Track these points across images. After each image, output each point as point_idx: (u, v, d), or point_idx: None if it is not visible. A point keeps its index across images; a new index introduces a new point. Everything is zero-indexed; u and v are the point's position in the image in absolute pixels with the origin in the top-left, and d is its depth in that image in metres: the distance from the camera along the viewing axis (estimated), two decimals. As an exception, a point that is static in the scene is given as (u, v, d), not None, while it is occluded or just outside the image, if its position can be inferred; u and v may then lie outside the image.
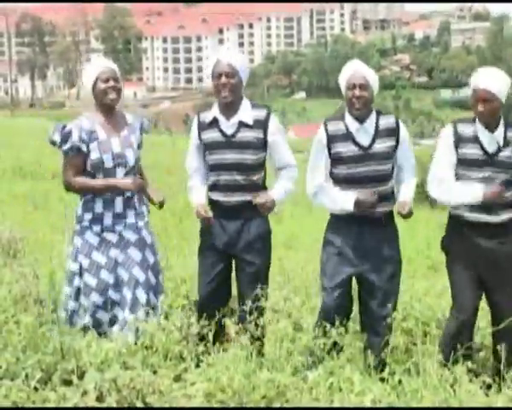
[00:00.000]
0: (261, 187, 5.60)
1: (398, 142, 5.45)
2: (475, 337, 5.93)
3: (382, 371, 4.81)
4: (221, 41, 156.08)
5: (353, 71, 5.42)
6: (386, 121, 5.47)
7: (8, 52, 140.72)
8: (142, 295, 5.47)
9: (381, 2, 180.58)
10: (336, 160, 5.44)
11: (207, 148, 5.60)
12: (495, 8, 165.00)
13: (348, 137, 5.42)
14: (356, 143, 5.40)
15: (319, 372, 4.52)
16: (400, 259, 5.59)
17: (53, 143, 5.51)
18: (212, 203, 5.62)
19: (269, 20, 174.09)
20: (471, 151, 5.37)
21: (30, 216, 12.29)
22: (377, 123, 5.44)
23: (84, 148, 5.47)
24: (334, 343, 4.91)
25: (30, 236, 9.16)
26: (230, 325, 4.83)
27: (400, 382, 4.60)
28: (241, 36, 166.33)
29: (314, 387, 4.37)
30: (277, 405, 4.17)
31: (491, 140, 5.34)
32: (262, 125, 5.54)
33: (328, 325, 4.89)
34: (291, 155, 5.69)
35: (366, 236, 5.41)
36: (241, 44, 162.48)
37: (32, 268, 6.50)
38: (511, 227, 5.46)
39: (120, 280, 5.52)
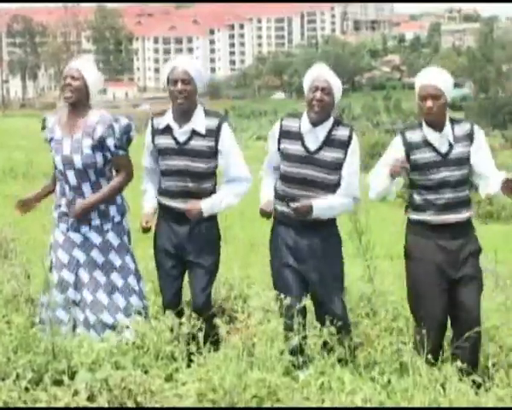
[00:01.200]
0: (211, 194, 5.62)
1: (346, 154, 5.44)
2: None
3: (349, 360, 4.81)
4: (212, 42, 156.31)
5: (318, 74, 5.44)
6: (340, 133, 5.45)
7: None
8: (103, 297, 5.48)
9: (372, 2, 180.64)
10: (283, 156, 5.51)
11: (160, 153, 5.63)
12: (485, 10, 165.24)
13: (298, 136, 5.45)
14: (303, 145, 5.43)
15: (310, 372, 4.53)
16: (342, 263, 5.63)
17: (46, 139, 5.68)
18: (163, 207, 5.67)
19: (259, 20, 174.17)
20: (424, 155, 5.39)
21: (21, 217, 12.22)
22: (330, 131, 5.45)
23: (49, 146, 5.61)
24: (325, 343, 4.92)
25: (21, 236, 9.14)
26: (221, 325, 4.83)
27: (390, 381, 4.61)
28: (231, 37, 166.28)
29: (305, 386, 4.38)
30: (268, 404, 4.18)
31: (441, 140, 5.36)
32: (214, 134, 5.55)
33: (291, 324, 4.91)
34: (243, 169, 5.66)
35: (299, 241, 5.46)
36: (232, 45, 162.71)
37: (23, 268, 6.50)
38: (471, 226, 5.48)
39: (81, 281, 5.52)
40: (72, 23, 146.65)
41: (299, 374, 4.55)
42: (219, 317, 5.48)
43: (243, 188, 5.66)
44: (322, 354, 4.84)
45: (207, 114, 5.61)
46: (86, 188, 5.50)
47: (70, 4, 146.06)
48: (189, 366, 4.62)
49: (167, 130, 5.59)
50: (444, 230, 5.38)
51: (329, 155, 5.40)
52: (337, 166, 5.42)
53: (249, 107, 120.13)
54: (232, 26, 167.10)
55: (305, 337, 4.91)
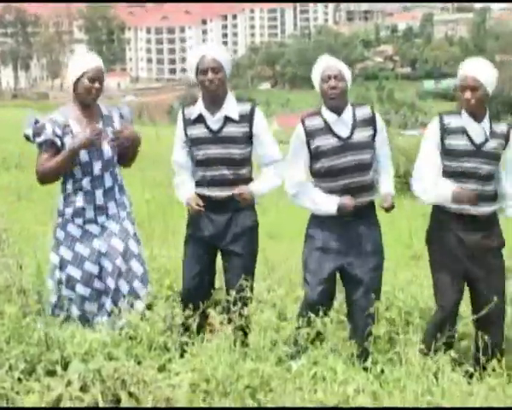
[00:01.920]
0: (248, 180, 5.61)
1: (375, 131, 5.49)
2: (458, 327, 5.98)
3: (365, 360, 4.83)
4: (204, 32, 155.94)
5: (326, 64, 5.46)
6: (363, 112, 5.51)
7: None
8: (124, 286, 5.48)
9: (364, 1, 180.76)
10: (316, 154, 5.47)
11: (194, 143, 5.60)
12: (478, 0, 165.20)
13: (327, 129, 5.45)
14: (335, 135, 5.43)
15: (303, 362, 4.54)
16: (382, 251, 5.63)
17: (26, 137, 5.46)
18: (200, 198, 5.60)
19: (252, 11, 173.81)
20: (458, 142, 5.39)
21: (14, 207, 12.24)
22: (354, 114, 5.48)
23: (58, 142, 5.41)
24: (318, 333, 4.93)
25: (14, 227, 9.10)
26: (215, 316, 4.83)
27: (383, 371, 4.63)
28: (224, 27, 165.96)
29: (298, 376, 4.39)
30: (261, 394, 4.19)
31: (478, 131, 5.36)
32: (247, 119, 5.55)
33: (312, 316, 4.90)
34: (277, 150, 5.68)
35: (348, 229, 5.44)
36: (225, 35, 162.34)
37: (15, 259, 6.47)
38: (494, 220, 5.51)
39: (105, 270, 5.51)
40: (64, 13, 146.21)
41: (292, 364, 4.55)
42: (213, 307, 5.46)
43: (282, 168, 5.65)
44: (316, 345, 4.84)
45: (239, 99, 5.65)
46: (107, 177, 5.51)
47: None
48: (182, 356, 4.62)
49: (200, 119, 5.57)
50: (464, 221, 5.39)
51: (361, 135, 5.45)
52: (370, 145, 5.48)
53: (242, 97, 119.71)
54: (225, 17, 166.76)
55: (298, 328, 4.91)
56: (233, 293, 4.91)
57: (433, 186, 5.45)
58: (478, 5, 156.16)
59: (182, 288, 5.79)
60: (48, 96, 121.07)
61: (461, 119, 5.41)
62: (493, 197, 5.48)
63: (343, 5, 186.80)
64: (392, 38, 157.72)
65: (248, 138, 5.56)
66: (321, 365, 4.51)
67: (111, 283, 5.48)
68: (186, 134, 5.63)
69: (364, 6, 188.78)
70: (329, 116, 5.45)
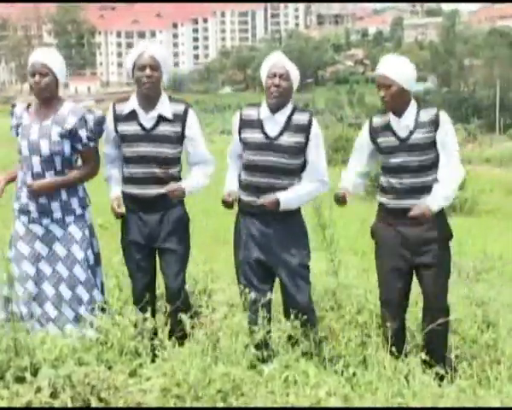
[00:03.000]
0: (178, 179, 5.61)
1: (307, 139, 5.46)
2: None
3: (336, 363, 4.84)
4: (175, 36, 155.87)
5: (275, 61, 5.48)
6: (300, 117, 5.49)
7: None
8: (66, 291, 5.45)
9: (336, 2, 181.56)
10: (244, 144, 5.54)
11: (124, 140, 5.59)
12: (447, 4, 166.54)
13: (258, 124, 5.49)
14: (263, 132, 5.46)
15: (275, 366, 4.54)
16: (308, 251, 5.63)
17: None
18: (128, 197, 5.61)
19: (223, 14, 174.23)
20: (385, 139, 5.49)
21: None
22: (290, 117, 5.48)
23: (14, 133, 5.54)
24: (290, 337, 4.93)
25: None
26: (186, 320, 4.82)
27: (355, 374, 4.64)
28: (195, 31, 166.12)
29: (269, 380, 4.39)
30: (233, 399, 4.18)
31: (401, 125, 5.41)
32: (180, 119, 5.56)
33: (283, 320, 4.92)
34: (206, 151, 5.71)
35: (265, 229, 5.48)
36: (196, 39, 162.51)
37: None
38: (438, 212, 5.48)
39: (42, 274, 5.48)
40: (33, 16, 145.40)
41: (264, 368, 4.55)
42: (185, 312, 5.46)
43: (212, 169, 5.71)
44: (287, 348, 4.85)
45: (172, 100, 5.62)
46: (50, 176, 5.44)
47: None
48: (153, 361, 4.61)
49: (132, 116, 5.55)
50: (404, 215, 5.41)
51: (290, 139, 5.42)
52: (298, 151, 5.44)
53: (213, 101, 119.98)
54: (196, 20, 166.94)
55: (269, 331, 4.91)
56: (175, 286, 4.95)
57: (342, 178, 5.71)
58: (447, 9, 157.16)
59: (132, 293, 5.82)
60: (16, 99, 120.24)
61: (387, 116, 5.50)
62: (431, 189, 5.46)
63: (314, 9, 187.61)
64: (362, 42, 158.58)
65: (180, 138, 5.58)
66: (293, 368, 4.52)
67: (47, 288, 5.45)
68: (116, 130, 5.61)
69: (335, 10, 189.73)
70: (264, 112, 5.49)
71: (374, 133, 5.56)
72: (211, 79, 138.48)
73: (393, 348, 4.92)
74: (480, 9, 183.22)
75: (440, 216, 5.45)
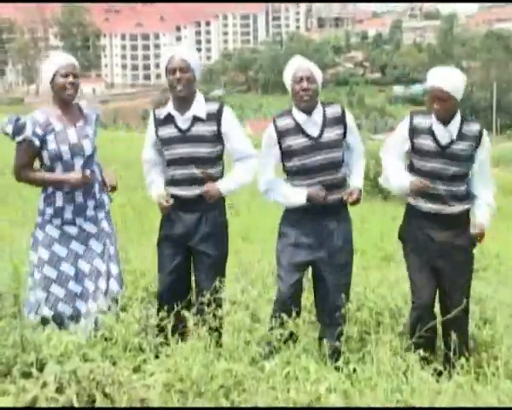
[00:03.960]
0: (219, 179, 5.59)
1: (345, 129, 5.52)
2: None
3: (337, 360, 4.84)
4: (178, 38, 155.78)
5: (298, 65, 5.48)
6: (333, 111, 5.54)
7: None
8: (103, 285, 5.46)
9: (336, 2, 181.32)
10: (288, 153, 5.49)
11: (164, 143, 5.59)
12: (445, 8, 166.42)
13: (298, 129, 5.47)
14: (306, 135, 5.45)
15: (276, 362, 4.54)
16: (352, 249, 5.65)
17: (6, 134, 5.43)
18: (171, 197, 5.58)
19: (225, 17, 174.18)
20: (425, 142, 5.45)
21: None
22: (324, 113, 5.50)
23: (36, 142, 5.37)
24: (291, 334, 4.93)
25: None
26: (189, 317, 4.81)
27: (355, 370, 4.63)
28: (198, 33, 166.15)
29: (271, 376, 4.38)
30: (235, 394, 4.18)
31: (444, 133, 5.39)
32: (215, 118, 5.54)
33: (284, 315, 4.91)
34: (249, 145, 5.67)
35: (320, 226, 5.46)
36: (199, 42, 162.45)
37: (-10, 263, 6.43)
38: (464, 220, 5.53)
39: (81, 272, 5.48)
40: (39, 19, 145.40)
41: (265, 364, 4.55)
42: (187, 309, 5.45)
43: (254, 164, 5.65)
44: (288, 345, 4.84)
45: (207, 100, 5.61)
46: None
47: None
48: (156, 357, 4.60)
49: (169, 119, 5.56)
50: (434, 219, 5.42)
51: (332, 134, 5.47)
52: (339, 144, 5.51)
53: (211, 97, 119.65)
54: (198, 23, 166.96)
55: (271, 328, 4.91)
56: (207, 295, 4.91)
57: (394, 176, 5.60)
58: (445, 12, 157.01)
59: (158, 289, 5.76)
60: (23, 100, 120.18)
61: (430, 119, 5.46)
62: (463, 197, 5.50)
63: (314, 12, 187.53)
64: (362, 45, 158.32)
65: (217, 137, 5.55)
66: (293, 364, 4.51)
67: (89, 284, 5.45)
68: (157, 134, 5.62)
69: (335, 13, 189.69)
70: (300, 116, 5.48)
71: (413, 132, 5.52)
72: (213, 80, 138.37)
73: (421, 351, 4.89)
74: (478, 13, 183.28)
75: (468, 223, 5.52)
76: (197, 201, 5.51)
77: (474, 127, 5.45)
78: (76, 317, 5.43)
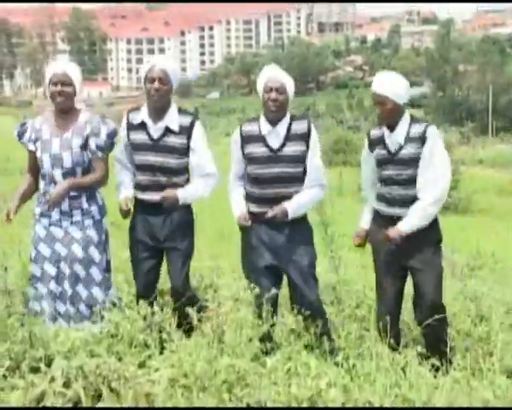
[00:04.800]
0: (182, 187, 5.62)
1: (308, 147, 5.46)
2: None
3: (335, 354, 4.84)
4: (183, 43, 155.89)
5: (269, 75, 5.45)
6: (299, 126, 5.48)
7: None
8: (82, 291, 5.47)
9: (336, 2, 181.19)
10: (248, 159, 5.51)
11: (134, 148, 5.61)
12: (442, 13, 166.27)
13: (260, 138, 5.46)
14: (266, 145, 5.44)
15: (277, 358, 4.54)
16: (313, 252, 5.62)
17: (16, 137, 5.54)
18: (137, 200, 5.65)
19: (228, 22, 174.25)
20: (379, 152, 5.53)
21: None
22: (289, 127, 5.46)
23: (31, 147, 5.47)
24: (292, 330, 4.93)
25: (-1, 230, 9.05)
26: (193, 314, 4.82)
27: (354, 365, 4.63)
28: (201, 38, 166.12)
29: (273, 371, 4.38)
30: (238, 389, 4.18)
31: (392, 140, 5.41)
32: (186, 131, 5.55)
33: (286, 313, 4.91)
34: (212, 164, 5.67)
35: (279, 232, 5.47)
36: (202, 46, 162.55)
37: (0, 261, 6.43)
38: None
39: (62, 274, 5.48)
40: (47, 24, 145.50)
41: (267, 360, 4.55)
42: (190, 306, 5.46)
43: (214, 182, 5.67)
44: (289, 341, 4.84)
45: (181, 112, 5.61)
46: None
47: (45, 5, 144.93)
48: (161, 353, 4.61)
49: (142, 126, 5.57)
50: (395, 223, 5.42)
51: (292, 149, 5.42)
52: (301, 159, 5.44)
53: (218, 105, 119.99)
54: (202, 28, 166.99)
55: (273, 325, 4.91)
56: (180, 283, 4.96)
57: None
58: (442, 17, 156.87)
59: (137, 288, 5.82)
60: (31, 103, 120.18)
61: (382, 129, 5.51)
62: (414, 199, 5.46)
63: (315, 17, 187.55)
64: (361, 49, 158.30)
65: (186, 149, 5.56)
66: (294, 360, 4.51)
67: (67, 287, 5.47)
68: (128, 138, 5.63)
69: (335, 18, 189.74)
70: (264, 126, 5.47)
71: (371, 146, 5.59)
72: (216, 83, 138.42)
73: (392, 342, 4.94)
74: (474, 18, 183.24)
75: (431, 221, 5.46)
76: (160, 204, 5.53)
77: (418, 127, 5.42)
78: (54, 316, 5.44)
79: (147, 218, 5.61)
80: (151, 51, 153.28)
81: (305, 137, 5.45)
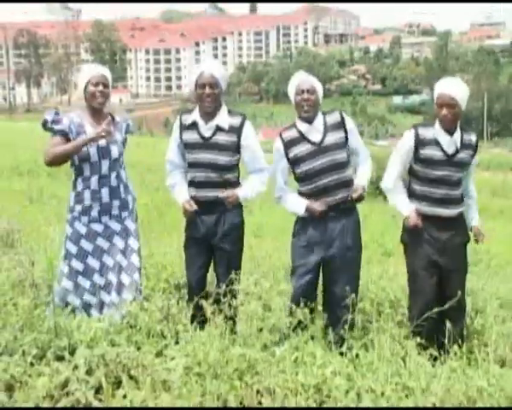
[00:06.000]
0: (234, 184, 5.60)
1: (346, 132, 5.50)
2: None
3: (341, 346, 4.83)
4: (197, 53, 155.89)
5: (301, 79, 5.51)
6: (332, 117, 5.54)
7: (6, 63, 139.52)
8: (126, 278, 5.48)
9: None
10: (295, 161, 5.51)
11: (186, 147, 5.59)
12: (440, 25, 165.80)
13: (301, 138, 5.49)
14: (309, 141, 5.46)
15: (286, 348, 4.53)
16: (361, 246, 5.63)
17: (45, 122, 5.43)
18: (190, 198, 5.59)
19: (240, 34, 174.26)
20: (432, 152, 5.40)
21: (26, 210, 12.17)
22: (325, 120, 5.51)
23: (70, 136, 5.42)
24: (299, 322, 4.92)
25: (26, 227, 9.08)
26: (207, 307, 4.81)
27: (357, 355, 4.62)
28: (215, 48, 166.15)
29: (281, 360, 4.38)
30: (248, 376, 4.18)
31: (450, 143, 5.37)
32: (237, 130, 5.53)
33: (296, 308, 4.90)
34: (263, 160, 5.67)
35: (330, 224, 5.45)
36: (216, 56, 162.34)
37: (27, 256, 6.45)
38: (461, 220, 5.53)
39: (106, 266, 5.50)
40: (72, 36, 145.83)
41: (276, 350, 4.54)
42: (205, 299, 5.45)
43: (266, 176, 5.68)
44: (297, 332, 4.84)
45: (231, 113, 5.61)
46: (113, 177, 5.51)
47: (70, 19, 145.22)
48: (177, 342, 4.61)
49: (193, 126, 5.57)
50: (436, 221, 5.41)
51: (333, 138, 5.47)
52: (342, 146, 5.48)
53: (235, 110, 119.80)
54: (215, 39, 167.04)
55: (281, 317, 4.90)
56: (223, 286, 4.91)
57: (392, 190, 5.61)
58: (440, 29, 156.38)
59: (188, 283, 5.75)
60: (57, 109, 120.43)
61: (434, 131, 5.42)
62: (460, 200, 5.49)
63: (321, 29, 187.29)
64: (364, 59, 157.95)
65: (236, 147, 5.54)
66: (302, 350, 4.51)
67: (112, 277, 5.48)
68: (181, 138, 5.62)
69: (340, 30, 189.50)
70: (302, 126, 5.50)
71: (420, 144, 5.45)
72: (229, 91, 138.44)
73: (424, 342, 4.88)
74: (470, 30, 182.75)
75: (462, 222, 5.53)
76: (214, 202, 5.52)
77: (471, 136, 5.48)
78: (100, 306, 5.46)
79: (200, 215, 5.56)
80: (168, 61, 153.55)
81: (341, 126, 5.50)
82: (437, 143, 5.40)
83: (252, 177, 5.66)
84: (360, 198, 5.45)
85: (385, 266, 9.00)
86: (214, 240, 5.57)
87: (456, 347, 4.79)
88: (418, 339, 4.74)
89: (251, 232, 12.39)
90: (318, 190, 5.45)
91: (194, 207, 5.50)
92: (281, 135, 5.58)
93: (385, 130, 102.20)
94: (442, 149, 5.38)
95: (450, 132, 5.37)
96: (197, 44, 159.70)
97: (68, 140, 5.42)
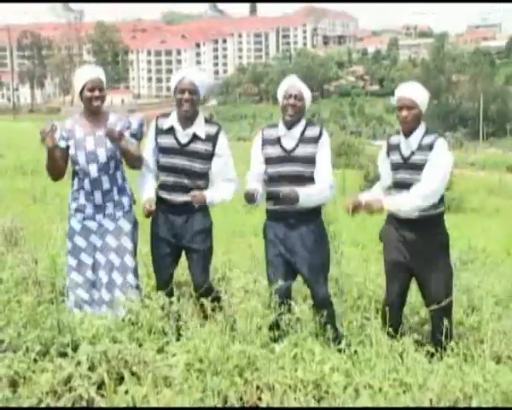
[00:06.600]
0: (204, 190, 5.61)
1: (317, 148, 5.44)
2: (421, 312, 6.00)
3: (340, 343, 4.83)
4: (198, 54, 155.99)
5: (290, 84, 5.51)
6: (312, 131, 5.50)
7: (10, 64, 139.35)
8: (117, 278, 5.49)
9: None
10: (266, 160, 5.54)
11: (161, 151, 5.60)
12: (437, 27, 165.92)
13: (276, 140, 5.51)
14: (281, 146, 5.47)
15: (285, 345, 4.54)
16: (327, 249, 5.61)
17: (42, 139, 5.40)
18: (161, 200, 5.62)
19: (240, 35, 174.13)
20: (394, 157, 5.46)
21: (29, 208, 12.18)
22: (303, 131, 5.48)
23: (62, 144, 5.46)
24: (298, 319, 4.92)
25: (29, 226, 9.07)
26: (207, 304, 4.82)
27: (356, 352, 4.63)
28: (215, 50, 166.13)
29: (280, 357, 4.38)
30: (248, 373, 4.18)
31: (406, 145, 5.37)
32: (212, 139, 5.56)
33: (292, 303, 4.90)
34: (233, 172, 5.68)
35: (289, 233, 5.46)
36: (216, 57, 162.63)
37: (31, 254, 6.45)
38: (435, 223, 5.44)
39: (98, 263, 5.51)
40: (74, 37, 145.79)
41: (276, 346, 4.55)
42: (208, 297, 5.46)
43: (235, 187, 5.68)
44: (296, 329, 4.84)
45: (207, 121, 5.63)
46: (105, 180, 5.50)
47: (73, 20, 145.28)
48: (178, 339, 4.61)
49: (170, 131, 5.57)
50: (407, 223, 5.38)
51: (304, 150, 5.42)
52: (312, 160, 5.43)
53: (231, 111, 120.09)
54: (216, 41, 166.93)
55: (280, 314, 4.90)
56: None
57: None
58: (437, 31, 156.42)
59: (156, 282, 5.78)
60: (60, 110, 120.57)
61: (399, 136, 5.46)
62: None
63: (320, 30, 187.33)
64: (362, 60, 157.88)
65: (210, 156, 5.57)
66: (300, 347, 4.51)
67: (103, 275, 5.50)
68: (156, 141, 5.62)
69: (338, 31, 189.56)
70: (281, 129, 5.52)
71: (388, 150, 5.54)
72: (229, 92, 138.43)
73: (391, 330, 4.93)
74: (466, 32, 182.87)
75: (438, 225, 5.44)
76: (184, 205, 5.54)
77: (430, 138, 5.33)
78: (91, 303, 5.46)
79: (169, 217, 5.60)
80: (169, 62, 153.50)
81: (316, 141, 5.45)
82: (398, 147, 5.44)
83: (220, 184, 5.64)
84: (290, 201, 5.29)
85: (382, 264, 8.98)
86: (183, 241, 5.61)
87: (452, 344, 4.81)
88: (415, 335, 4.73)
89: (251, 232, 12.42)
90: (273, 195, 5.45)
91: (153, 207, 5.51)
92: (263, 130, 5.66)
93: (382, 130, 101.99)
94: (400, 153, 5.40)
95: (408, 135, 5.37)
96: (198, 46, 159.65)
97: (61, 148, 5.47)
